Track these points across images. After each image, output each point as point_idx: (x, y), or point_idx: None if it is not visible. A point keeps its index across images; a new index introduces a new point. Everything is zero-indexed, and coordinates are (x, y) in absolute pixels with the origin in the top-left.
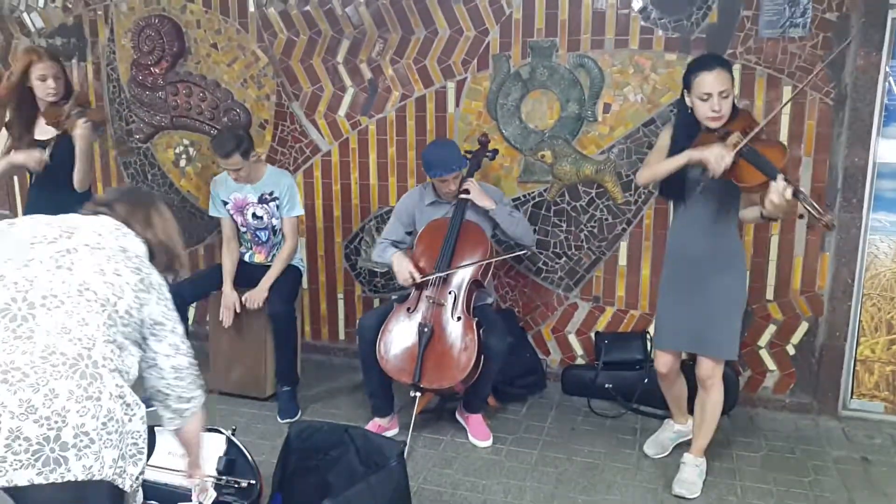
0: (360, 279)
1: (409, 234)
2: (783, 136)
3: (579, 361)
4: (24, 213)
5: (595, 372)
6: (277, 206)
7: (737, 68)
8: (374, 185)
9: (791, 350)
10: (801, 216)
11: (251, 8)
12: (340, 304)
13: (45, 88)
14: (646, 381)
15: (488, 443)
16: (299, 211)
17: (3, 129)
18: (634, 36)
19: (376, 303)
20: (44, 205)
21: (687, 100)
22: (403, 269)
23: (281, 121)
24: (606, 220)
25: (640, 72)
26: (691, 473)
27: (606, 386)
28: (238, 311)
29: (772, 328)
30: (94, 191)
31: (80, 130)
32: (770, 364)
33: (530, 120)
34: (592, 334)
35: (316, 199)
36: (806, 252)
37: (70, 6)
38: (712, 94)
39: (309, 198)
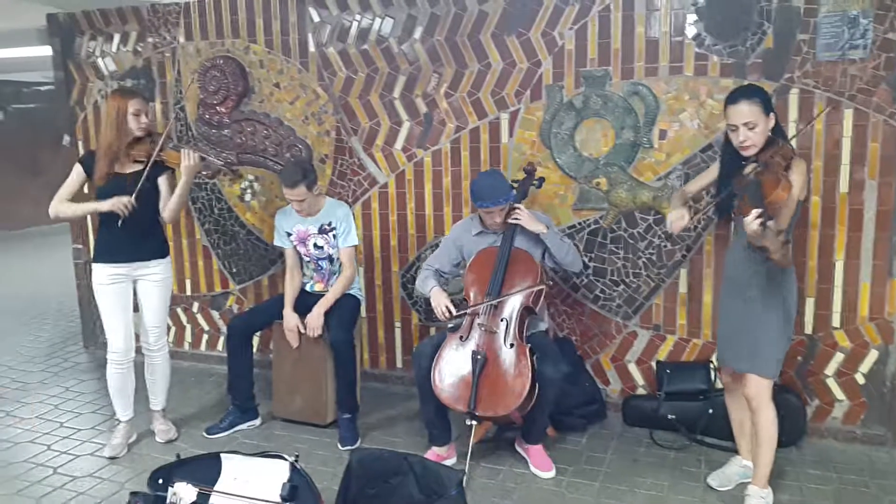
0: (416, 307)
1: (456, 265)
2: (845, 160)
3: (640, 391)
4: (97, 248)
5: (657, 402)
6: (335, 236)
7: (794, 93)
8: (430, 214)
9: (861, 379)
10: (763, 248)
11: (311, 48)
12: (398, 332)
13: (138, 123)
14: (710, 411)
15: (551, 474)
16: (355, 240)
17: (78, 163)
18: (689, 62)
19: (432, 331)
20: (123, 238)
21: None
22: (440, 303)
23: (340, 155)
24: (665, 246)
25: (696, 98)
26: None
27: (669, 417)
28: (302, 332)
29: (839, 356)
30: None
31: (188, 161)
32: (838, 394)
33: (584, 148)
34: (653, 363)
35: (373, 229)
36: (873, 278)
37: (140, 50)
38: (738, 126)
39: (367, 228)
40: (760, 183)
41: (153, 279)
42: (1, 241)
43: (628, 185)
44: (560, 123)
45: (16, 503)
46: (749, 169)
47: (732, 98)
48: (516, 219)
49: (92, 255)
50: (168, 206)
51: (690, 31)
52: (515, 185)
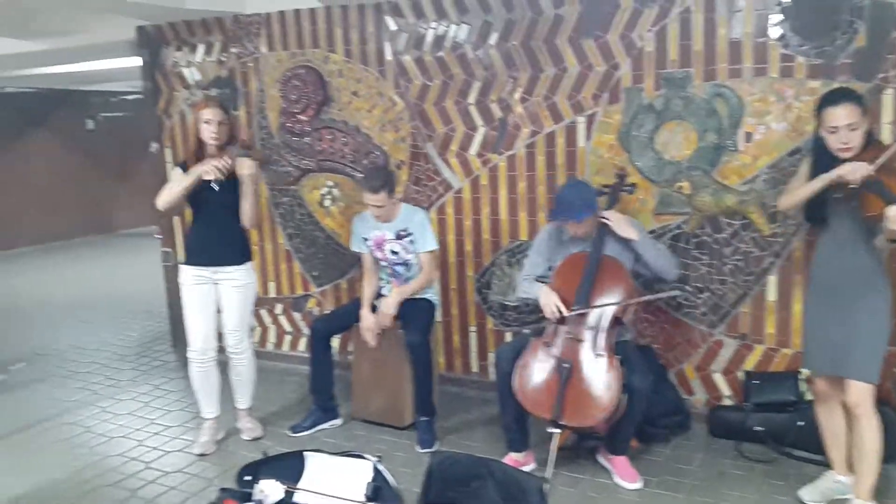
0: (491, 312)
1: (550, 269)
2: None
3: (726, 402)
4: (188, 250)
5: (744, 413)
6: (411, 241)
7: (889, 93)
8: (505, 219)
9: None
10: None
11: (388, 56)
12: (473, 336)
13: (207, 132)
14: (800, 423)
15: (638, 485)
16: (433, 245)
17: (177, 167)
18: (774, 64)
19: (508, 336)
20: (207, 242)
21: (820, 132)
22: (550, 302)
23: (416, 161)
24: (752, 252)
25: (782, 100)
26: None
27: (757, 429)
28: (379, 331)
29: None
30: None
31: (245, 170)
32: None
33: (665, 151)
34: (740, 373)
35: (448, 234)
36: None
37: (224, 59)
38: (839, 128)
39: (442, 234)
40: (882, 182)
41: (233, 283)
42: (93, 245)
43: (712, 188)
44: (639, 126)
45: (114, 495)
46: (866, 168)
47: (832, 100)
48: (606, 219)
49: (179, 257)
50: (241, 212)
51: (775, 32)
52: (606, 189)
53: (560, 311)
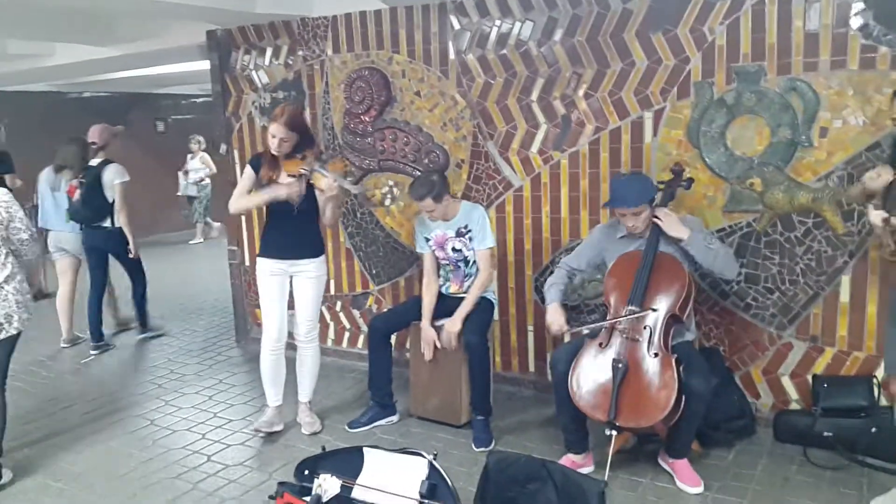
0: None
1: (596, 266)
2: None
3: (794, 406)
4: (262, 244)
5: (813, 418)
6: (471, 238)
7: None
8: (566, 218)
9: None
10: None
11: (451, 55)
12: (531, 336)
13: (271, 144)
14: (873, 430)
15: (699, 489)
16: (491, 242)
17: (248, 164)
18: (854, 55)
19: (567, 337)
20: (283, 238)
21: None
22: (555, 322)
23: (476, 160)
24: (825, 252)
25: (862, 93)
26: None
27: (826, 434)
28: (438, 347)
29: None
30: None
31: (329, 193)
32: None
33: (736, 147)
34: (810, 377)
35: (507, 233)
36: None
37: (291, 63)
38: None
39: (501, 232)
40: None
41: (308, 276)
42: (163, 245)
43: (785, 185)
44: (710, 121)
45: (176, 486)
46: None
47: None
48: (657, 219)
49: (258, 250)
50: (323, 219)
51: (856, 22)
52: (662, 186)
53: (561, 334)
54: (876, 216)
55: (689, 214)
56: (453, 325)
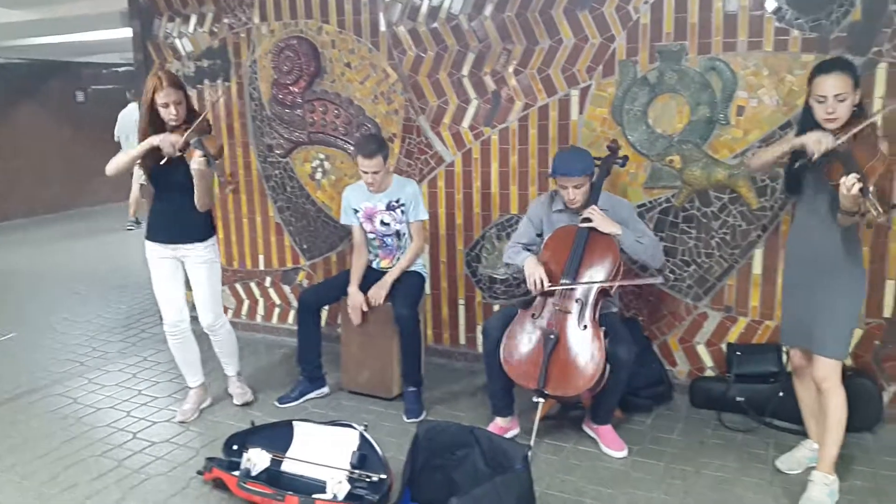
0: (480, 285)
1: (539, 236)
2: None
3: (708, 373)
4: (148, 226)
5: (726, 384)
6: (403, 212)
7: (882, 67)
8: (496, 193)
9: None
10: (862, 214)
11: (382, 27)
12: (461, 309)
13: (167, 114)
14: (780, 394)
15: (623, 453)
16: (424, 215)
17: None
18: (769, 37)
19: (496, 308)
20: (166, 220)
21: (809, 101)
22: (535, 273)
23: (408, 134)
24: (740, 226)
25: (776, 74)
26: (819, 492)
27: (738, 399)
28: (365, 310)
29: None
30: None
31: (195, 165)
32: None
33: (658, 125)
34: (724, 346)
35: (439, 207)
36: None
37: (216, 30)
38: (827, 97)
39: (432, 207)
40: (851, 152)
41: (197, 260)
42: (83, 217)
43: (703, 162)
44: (633, 99)
45: (101, 464)
46: (841, 139)
47: (825, 68)
48: (588, 220)
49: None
50: (195, 197)
51: (770, 5)
52: (598, 162)
53: (542, 285)
54: (854, 187)
55: (623, 198)
56: (380, 290)
